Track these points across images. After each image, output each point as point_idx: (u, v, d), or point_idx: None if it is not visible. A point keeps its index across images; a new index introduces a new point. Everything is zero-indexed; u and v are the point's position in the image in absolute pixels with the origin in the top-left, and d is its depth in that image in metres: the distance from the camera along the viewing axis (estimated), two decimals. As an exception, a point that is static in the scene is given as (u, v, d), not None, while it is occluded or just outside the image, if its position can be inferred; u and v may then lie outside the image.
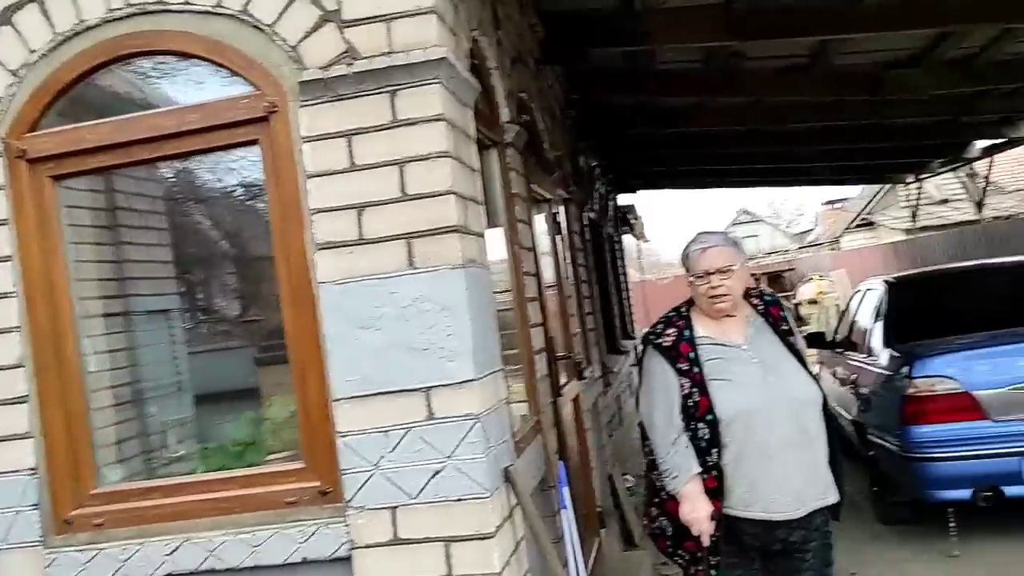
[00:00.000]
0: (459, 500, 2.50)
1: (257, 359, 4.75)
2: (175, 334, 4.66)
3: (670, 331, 2.69)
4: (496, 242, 3.32)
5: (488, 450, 2.54)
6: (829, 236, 29.10)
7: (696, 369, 2.61)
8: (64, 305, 2.78)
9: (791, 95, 6.88)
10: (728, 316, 2.69)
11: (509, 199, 3.58)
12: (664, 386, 2.65)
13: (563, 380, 4.16)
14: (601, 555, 4.42)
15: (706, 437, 2.56)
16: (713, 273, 2.64)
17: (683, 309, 2.77)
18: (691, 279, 2.72)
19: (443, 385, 2.52)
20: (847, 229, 25.69)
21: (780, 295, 3.38)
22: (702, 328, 2.68)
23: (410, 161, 2.54)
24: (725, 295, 2.63)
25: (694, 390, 2.59)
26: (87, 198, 3.60)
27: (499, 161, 3.57)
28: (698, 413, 2.57)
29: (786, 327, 2.75)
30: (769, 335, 2.70)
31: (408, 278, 2.54)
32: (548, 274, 4.50)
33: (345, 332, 2.56)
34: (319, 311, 2.59)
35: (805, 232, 41.55)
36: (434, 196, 2.53)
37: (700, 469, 2.57)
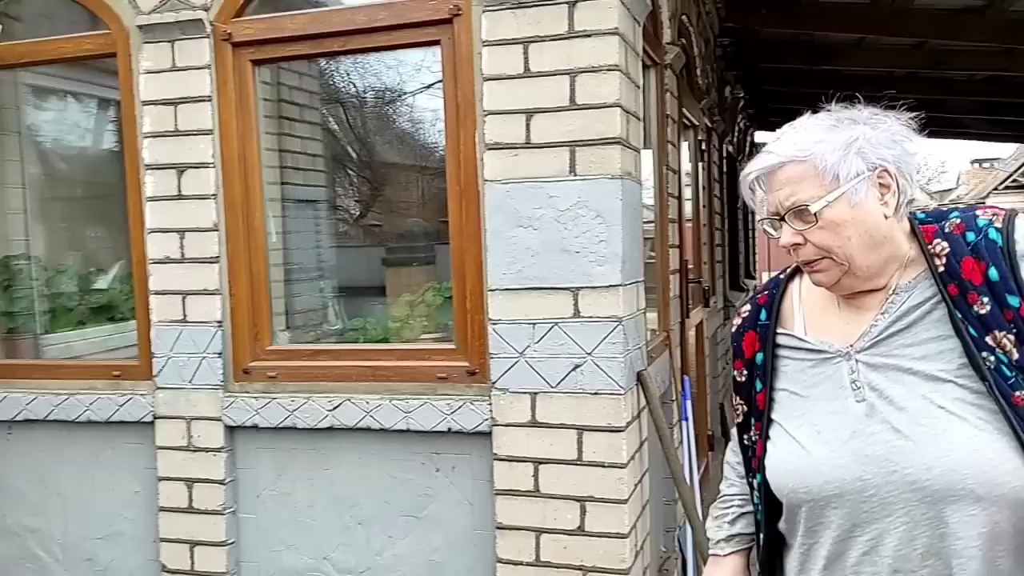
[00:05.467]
0: (595, 394, 2.70)
1: (384, 260, 5.06)
2: (320, 226, 5.01)
3: (745, 309, 1.55)
4: (647, 160, 3.43)
5: (626, 352, 2.72)
6: (973, 196, 27.50)
7: (759, 386, 1.46)
8: (255, 179, 3.08)
9: (959, 39, 6.54)
10: (858, 294, 1.39)
11: (662, 120, 3.67)
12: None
13: (691, 303, 4.28)
14: (707, 475, 4.60)
15: (760, 506, 1.48)
16: (779, 218, 1.36)
17: (788, 270, 1.54)
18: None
19: (591, 287, 2.69)
20: (995, 190, 24.22)
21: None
22: (801, 310, 1.46)
23: (581, 72, 2.67)
24: (815, 261, 1.36)
25: (751, 421, 1.49)
26: (261, 89, 3.89)
27: (657, 81, 3.65)
28: (753, 463, 1.48)
29: (991, 307, 1.28)
30: (934, 329, 1.32)
31: (568, 184, 2.70)
32: (688, 199, 4.58)
33: (505, 229, 2.76)
34: (483, 208, 2.79)
35: (946, 191, 39.32)
36: (601, 108, 2.66)
37: (736, 547, 1.57)
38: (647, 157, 3.51)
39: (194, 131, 3.03)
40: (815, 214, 1.31)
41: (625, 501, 2.68)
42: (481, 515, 2.87)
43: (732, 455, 1.59)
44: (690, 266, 4.31)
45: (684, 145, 4.62)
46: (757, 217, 1.49)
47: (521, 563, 2.77)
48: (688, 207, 4.62)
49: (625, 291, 2.72)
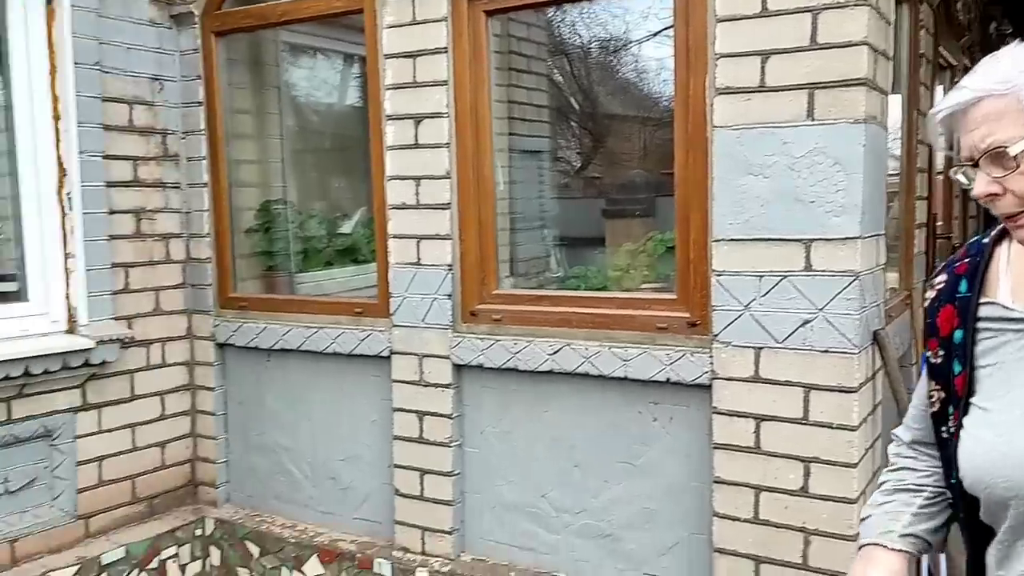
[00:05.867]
0: (825, 351, 2.56)
1: (604, 211, 5.05)
2: (543, 176, 5.09)
3: (940, 280, 1.35)
4: (895, 103, 3.16)
5: (862, 309, 2.55)
6: None
7: (957, 368, 1.28)
8: (485, 129, 3.18)
9: None
10: None
11: (914, 60, 3.36)
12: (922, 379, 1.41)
13: (938, 261, 3.93)
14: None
15: (958, 505, 1.34)
16: (973, 164, 1.19)
17: (994, 233, 1.32)
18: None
19: (825, 239, 2.54)
20: None
21: None
22: (1008, 274, 1.27)
23: (825, 8, 2.49)
24: (1016, 215, 1.18)
25: (949, 409, 1.31)
26: (492, 41, 3.98)
27: (910, 17, 3.34)
28: (951, 458, 1.29)
29: None
30: None
31: (804, 129, 2.54)
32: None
33: (733, 177, 2.66)
34: (710, 155, 2.71)
35: None
36: (846, 46, 2.47)
37: (908, 548, 1.38)
38: (895, 101, 3.24)
39: (430, 82, 3.17)
40: (1015, 157, 1.13)
41: (855, 465, 2.54)
42: (698, 467, 2.84)
43: (899, 435, 1.48)
44: (939, 221, 3.95)
45: (939, 88, 4.21)
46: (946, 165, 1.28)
47: (739, 519, 2.72)
48: (940, 156, 4.22)
49: (863, 244, 2.55)
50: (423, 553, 3.35)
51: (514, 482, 3.21)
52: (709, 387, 2.75)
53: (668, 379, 2.83)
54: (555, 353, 3.02)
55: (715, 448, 2.75)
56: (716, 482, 2.76)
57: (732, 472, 2.72)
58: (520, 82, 4.69)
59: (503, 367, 3.14)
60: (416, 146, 3.23)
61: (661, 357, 2.83)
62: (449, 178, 3.18)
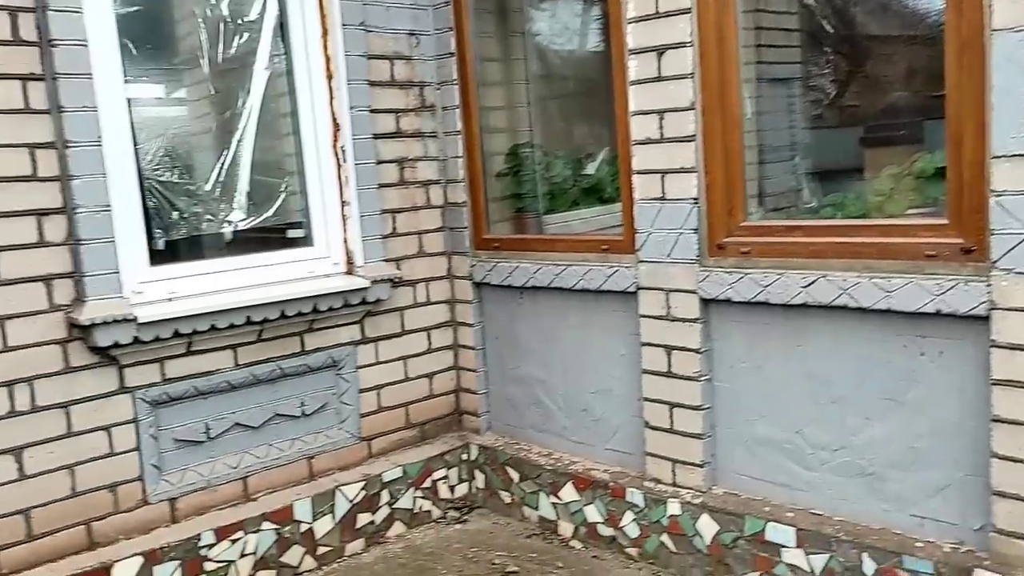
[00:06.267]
0: None
1: (863, 139, 4.70)
2: (793, 105, 4.82)
3: None
4: None
5: None
6: None
7: None
8: (731, 57, 3.08)
9: None
10: None
11: None
12: None
13: None
14: None
15: None
16: None
17: None
18: None
19: None
20: None
21: None
22: None
23: None
24: None
25: None
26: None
27: None
28: None
29: None
30: None
31: (1108, 23, 2.22)
32: None
33: (1015, 85, 2.38)
34: (988, 62, 2.44)
35: None
36: None
37: None
38: None
39: (674, 11, 3.11)
40: None
41: None
42: (973, 405, 2.63)
43: None
44: None
45: None
46: None
47: (1020, 460, 2.49)
48: None
49: None
50: (674, 484, 3.40)
51: (766, 417, 3.16)
52: (986, 319, 2.52)
53: (938, 311, 2.62)
54: (809, 286, 2.91)
55: (993, 384, 2.53)
56: (994, 420, 2.54)
57: (1013, 410, 2.49)
58: (768, 6, 4.47)
59: (752, 301, 3.07)
60: (659, 79, 3.20)
61: (930, 287, 2.63)
62: (693, 109, 3.13)
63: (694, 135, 3.15)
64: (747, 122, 3.26)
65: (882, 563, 2.79)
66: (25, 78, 2.94)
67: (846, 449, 2.95)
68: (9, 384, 2.96)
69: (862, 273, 2.79)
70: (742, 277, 3.08)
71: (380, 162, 3.90)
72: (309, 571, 3.61)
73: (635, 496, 3.49)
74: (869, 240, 2.81)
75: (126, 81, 3.22)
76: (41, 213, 3.00)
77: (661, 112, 3.22)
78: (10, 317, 2.95)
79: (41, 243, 3.01)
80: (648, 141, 3.28)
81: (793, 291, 2.95)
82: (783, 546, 3.03)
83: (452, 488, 4.15)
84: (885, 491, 2.88)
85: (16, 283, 2.96)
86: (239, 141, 3.74)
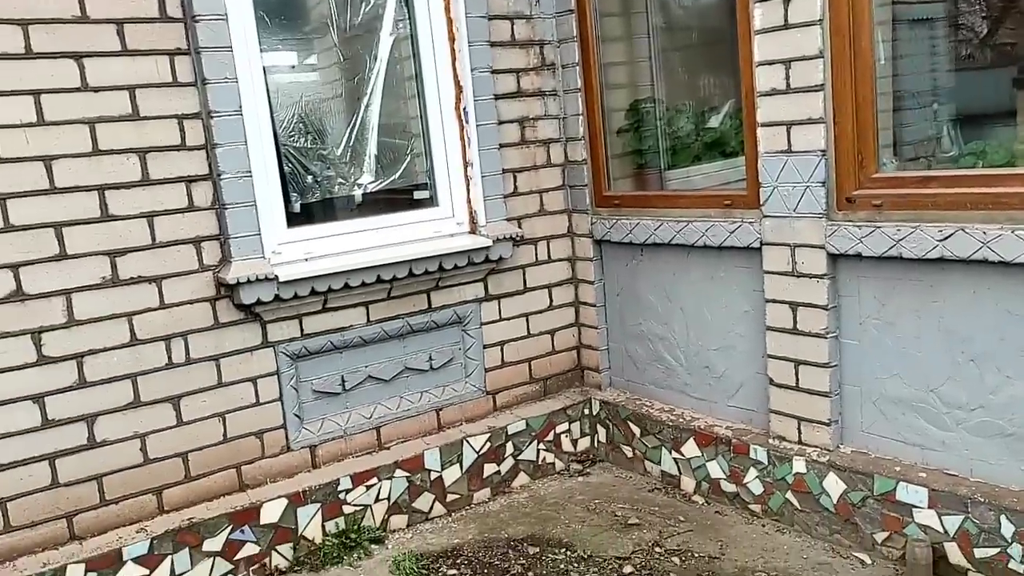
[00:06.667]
0: None
1: (1016, 80, 4.38)
2: (936, 47, 4.54)
3: None
4: None
5: None
6: None
7: None
8: (862, 0, 2.94)
9: None
10: None
11: None
12: None
13: None
14: None
15: None
16: None
17: None
18: None
19: None
20: None
21: None
22: None
23: None
24: None
25: None
26: None
27: None
28: None
29: None
30: None
31: None
32: None
33: None
34: None
35: None
36: None
37: None
38: None
39: (799, -44, 3.00)
40: None
41: None
42: None
43: None
44: None
45: None
46: None
47: None
48: None
49: None
50: (799, 443, 3.36)
51: (897, 375, 3.06)
52: None
53: (1089, 264, 2.47)
54: (946, 239, 2.78)
55: None
56: None
57: None
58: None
59: (884, 255, 2.97)
60: (786, 27, 3.10)
61: (1080, 239, 2.48)
62: (822, 57, 3.02)
63: (822, 84, 3.04)
64: (881, 68, 3.12)
65: (1021, 526, 2.69)
66: (172, 53, 3.15)
67: (984, 408, 2.84)
68: (167, 339, 3.23)
69: (1004, 225, 2.65)
70: (873, 231, 2.98)
71: (501, 122, 3.96)
72: (439, 517, 3.79)
73: (759, 453, 3.47)
74: (1015, 190, 2.65)
75: (262, 51, 3.39)
76: (189, 180, 3.23)
77: (787, 61, 3.12)
78: (166, 277, 3.21)
79: (191, 208, 3.23)
80: (774, 92, 3.19)
81: (928, 245, 2.83)
82: (915, 506, 2.96)
83: (575, 442, 4.23)
84: (1027, 453, 2.76)
85: (170, 245, 3.21)
86: (367, 106, 3.88)
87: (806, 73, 3.07)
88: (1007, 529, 2.72)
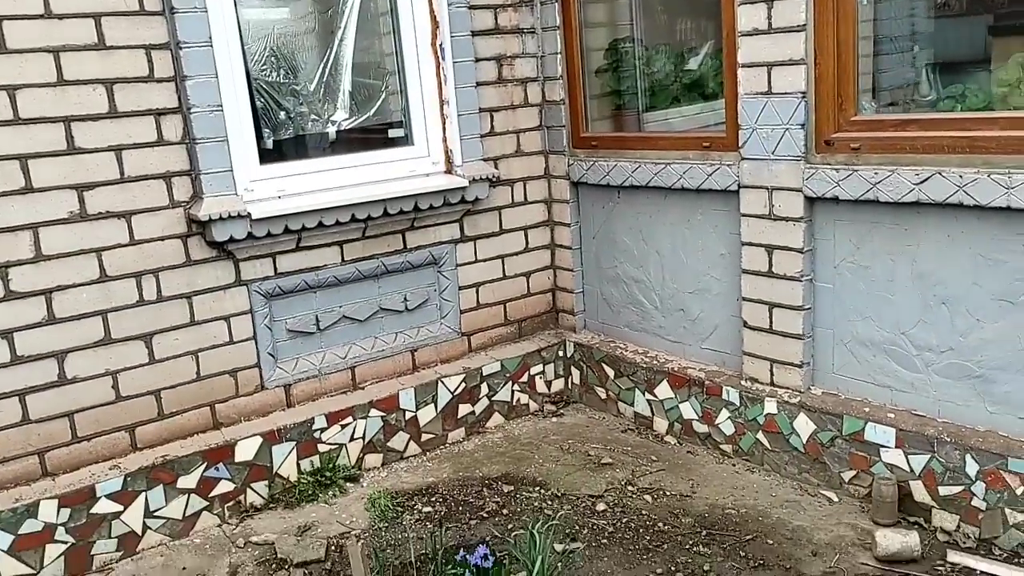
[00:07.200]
0: None
1: (992, 28, 4.37)
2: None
3: None
4: None
5: None
6: None
7: None
8: (847, -63, 2.90)
9: None
10: None
11: None
12: None
13: None
14: None
15: None
16: None
17: None
18: None
19: None
20: None
21: None
22: None
23: None
24: None
25: None
26: None
27: None
28: None
29: None
30: None
31: None
32: None
33: None
34: None
35: None
36: None
37: None
38: None
39: None
40: None
41: None
42: (1094, 308, 2.52)
43: None
44: None
45: None
46: None
47: None
48: None
49: None
50: (771, 384, 3.40)
51: (870, 318, 3.10)
52: (1116, 216, 2.39)
53: (1064, 208, 2.50)
54: (923, 182, 2.79)
55: (1119, 286, 2.41)
56: (1117, 324, 2.43)
57: None
58: None
59: (860, 199, 2.98)
60: (769, -35, 3.05)
61: (1055, 183, 2.50)
62: (805, -3, 2.98)
63: (804, 24, 3.01)
64: (863, 10, 3.09)
65: (985, 465, 2.76)
66: (139, -20, 3.04)
67: (954, 351, 2.89)
68: (138, 275, 3.17)
69: (980, 169, 2.66)
70: (850, 174, 2.98)
71: (478, 60, 3.89)
72: (414, 456, 3.81)
73: (731, 394, 3.51)
74: (991, 134, 2.66)
75: (232, -19, 3.28)
76: (159, 113, 3.14)
77: (770, 0, 3.08)
78: (136, 212, 3.14)
79: (160, 142, 3.15)
80: (755, 32, 3.16)
81: (905, 188, 2.84)
82: (883, 446, 3.02)
83: (549, 383, 4.26)
84: (993, 393, 2.81)
85: (139, 180, 3.13)
86: (340, 40, 3.78)
87: (788, 13, 3.03)
88: (971, 468, 2.79)
